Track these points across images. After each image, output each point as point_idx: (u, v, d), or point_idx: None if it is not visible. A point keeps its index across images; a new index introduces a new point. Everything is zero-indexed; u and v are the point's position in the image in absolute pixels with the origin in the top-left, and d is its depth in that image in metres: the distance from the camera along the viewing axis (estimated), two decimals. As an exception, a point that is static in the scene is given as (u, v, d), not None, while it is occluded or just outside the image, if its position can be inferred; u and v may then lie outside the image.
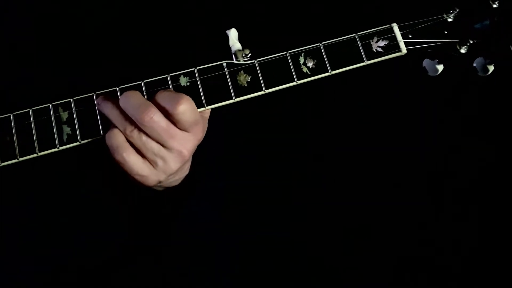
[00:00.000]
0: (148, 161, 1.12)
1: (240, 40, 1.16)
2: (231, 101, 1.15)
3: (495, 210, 1.49)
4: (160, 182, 1.15)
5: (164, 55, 1.34)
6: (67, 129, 1.13)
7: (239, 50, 1.16)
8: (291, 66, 1.15)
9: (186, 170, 1.21)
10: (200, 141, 1.15)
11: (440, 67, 1.19)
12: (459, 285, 1.48)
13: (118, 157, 1.10)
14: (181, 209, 1.30)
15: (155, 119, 1.08)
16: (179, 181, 1.22)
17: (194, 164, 1.21)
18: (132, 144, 1.11)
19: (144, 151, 1.11)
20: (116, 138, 1.10)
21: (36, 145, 1.12)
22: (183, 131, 1.11)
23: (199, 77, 1.15)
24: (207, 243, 1.43)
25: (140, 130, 1.10)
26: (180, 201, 1.28)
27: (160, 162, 1.12)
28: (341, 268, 1.46)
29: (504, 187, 1.48)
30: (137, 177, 1.12)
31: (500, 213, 1.49)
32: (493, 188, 1.49)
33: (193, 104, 1.10)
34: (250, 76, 1.15)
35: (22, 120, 1.13)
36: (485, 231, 1.49)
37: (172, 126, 1.10)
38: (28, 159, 1.13)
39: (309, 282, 1.46)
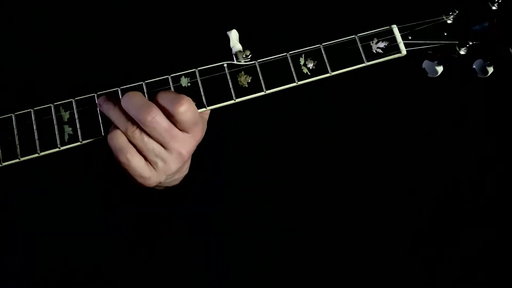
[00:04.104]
0: (149, 162, 1.12)
1: (241, 41, 1.17)
2: (232, 101, 1.15)
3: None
4: (160, 182, 1.15)
5: (165, 56, 1.35)
6: (68, 129, 1.14)
7: (240, 51, 1.16)
8: (292, 67, 1.16)
9: (185, 170, 1.21)
10: (199, 142, 1.16)
11: (440, 69, 1.19)
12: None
13: (122, 158, 1.11)
14: (180, 208, 1.31)
15: (157, 119, 1.08)
16: (178, 181, 1.23)
17: (193, 164, 1.21)
18: (133, 145, 1.12)
19: (145, 152, 1.11)
20: (119, 139, 1.11)
21: (38, 145, 1.13)
22: (183, 132, 1.11)
23: (200, 77, 1.15)
24: (205, 242, 1.43)
25: (142, 130, 1.10)
26: (179, 200, 1.28)
27: (160, 163, 1.12)
28: (341, 270, 1.46)
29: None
30: (138, 178, 1.13)
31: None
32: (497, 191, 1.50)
33: (193, 104, 1.10)
34: (251, 77, 1.15)
35: (24, 120, 1.14)
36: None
37: (173, 127, 1.10)
38: (29, 159, 1.13)
39: (308, 282, 1.46)
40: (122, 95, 1.12)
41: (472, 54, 1.17)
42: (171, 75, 1.15)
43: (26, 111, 1.14)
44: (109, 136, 1.12)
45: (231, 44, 1.17)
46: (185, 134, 1.12)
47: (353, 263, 1.47)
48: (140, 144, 1.11)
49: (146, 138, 1.10)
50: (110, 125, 1.13)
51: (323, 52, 1.16)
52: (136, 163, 1.11)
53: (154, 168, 1.13)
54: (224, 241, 1.44)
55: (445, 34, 1.17)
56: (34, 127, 1.13)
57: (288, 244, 1.45)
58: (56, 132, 1.13)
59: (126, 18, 1.41)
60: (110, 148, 1.12)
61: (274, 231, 1.45)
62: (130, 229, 1.34)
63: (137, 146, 1.11)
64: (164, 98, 1.10)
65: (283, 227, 1.45)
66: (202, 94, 1.15)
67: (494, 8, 1.16)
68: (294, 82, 1.16)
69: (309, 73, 1.16)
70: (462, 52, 1.17)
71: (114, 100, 1.12)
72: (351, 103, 1.46)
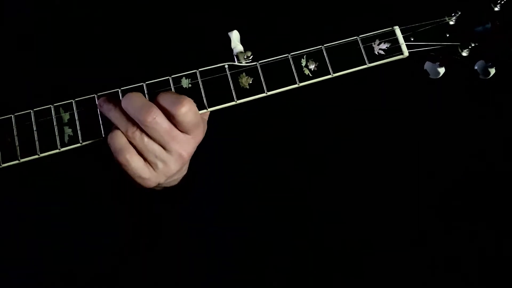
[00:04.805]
0: (149, 163, 1.12)
1: (242, 42, 1.16)
2: (233, 103, 1.14)
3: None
4: (159, 183, 1.15)
5: (166, 57, 1.34)
6: (68, 130, 1.13)
7: (241, 52, 1.16)
8: (293, 68, 1.15)
9: (184, 171, 1.21)
10: (199, 143, 1.15)
11: (442, 70, 1.19)
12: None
13: (121, 159, 1.10)
14: (178, 208, 1.30)
15: (158, 120, 1.08)
16: (177, 181, 1.22)
17: (191, 164, 1.21)
18: (133, 146, 1.11)
19: (145, 153, 1.11)
20: (119, 140, 1.10)
21: (37, 146, 1.12)
22: (184, 134, 1.11)
23: (201, 78, 1.14)
24: (205, 242, 1.43)
25: (142, 131, 1.09)
26: (178, 200, 1.28)
27: (160, 165, 1.12)
28: (341, 270, 1.46)
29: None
30: (138, 179, 1.12)
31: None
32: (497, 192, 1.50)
33: (195, 106, 1.10)
34: (252, 78, 1.15)
35: (24, 121, 1.13)
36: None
37: (174, 128, 1.09)
38: (29, 160, 1.12)
39: (309, 282, 1.47)
40: (123, 96, 1.11)
41: (474, 56, 1.16)
42: (172, 76, 1.14)
43: (25, 112, 1.13)
44: (109, 137, 1.11)
45: (232, 45, 1.16)
46: (186, 135, 1.11)
47: (353, 263, 1.47)
48: (140, 145, 1.10)
49: (146, 139, 1.10)
50: (110, 126, 1.12)
51: (324, 54, 1.15)
52: (135, 164, 1.10)
53: (154, 169, 1.12)
54: (224, 241, 1.44)
55: (447, 35, 1.17)
56: (34, 128, 1.13)
57: (288, 244, 1.45)
58: (56, 133, 1.13)
59: (127, 19, 1.40)
60: (110, 149, 1.11)
61: (274, 231, 1.45)
62: (130, 230, 1.34)
63: (137, 147, 1.11)
64: (165, 99, 1.09)
65: (283, 227, 1.45)
66: (203, 95, 1.14)
67: (496, 9, 1.15)
68: (296, 83, 1.15)
69: (310, 75, 1.15)
70: (464, 53, 1.16)
71: (115, 101, 1.12)
72: (352, 104, 1.46)
